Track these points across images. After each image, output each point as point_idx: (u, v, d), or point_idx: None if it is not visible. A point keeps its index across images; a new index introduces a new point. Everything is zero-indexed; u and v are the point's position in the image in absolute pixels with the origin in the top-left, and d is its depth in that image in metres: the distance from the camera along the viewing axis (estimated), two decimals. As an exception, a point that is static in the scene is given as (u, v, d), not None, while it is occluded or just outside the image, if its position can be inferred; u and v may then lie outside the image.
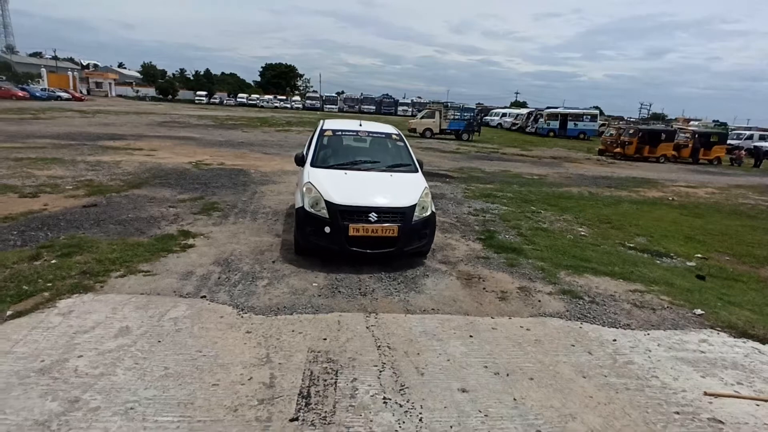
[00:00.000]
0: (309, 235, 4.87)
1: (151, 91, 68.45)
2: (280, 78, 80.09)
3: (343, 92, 75.60)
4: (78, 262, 4.60)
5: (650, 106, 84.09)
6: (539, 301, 4.38)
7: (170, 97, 66.70)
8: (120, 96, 65.38)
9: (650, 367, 3.20)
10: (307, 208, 4.85)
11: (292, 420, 2.37)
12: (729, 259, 6.52)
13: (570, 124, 36.97)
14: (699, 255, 6.51)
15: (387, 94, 65.52)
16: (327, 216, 4.74)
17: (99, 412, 2.35)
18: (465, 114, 28.07)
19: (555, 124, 36.89)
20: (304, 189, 4.98)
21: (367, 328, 3.59)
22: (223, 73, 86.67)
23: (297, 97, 68.74)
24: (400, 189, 5.23)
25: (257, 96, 66.51)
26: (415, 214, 4.94)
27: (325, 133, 6.01)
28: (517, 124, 42.65)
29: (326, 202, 4.78)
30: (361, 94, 65.46)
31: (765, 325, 4.11)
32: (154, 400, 2.48)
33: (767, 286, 5.44)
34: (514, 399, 2.69)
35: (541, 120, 37.71)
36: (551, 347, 3.42)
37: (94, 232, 5.65)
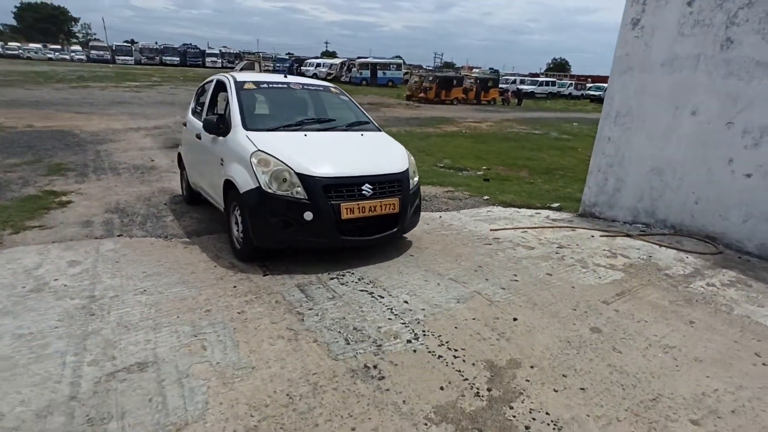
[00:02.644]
0: (276, 230, 3.59)
1: None
2: (47, 22, 65.30)
3: (134, 41, 65.99)
4: (-54, 225, 4.55)
5: (442, 55, 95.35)
6: (390, 203, 6.16)
7: None
8: None
9: (462, 224, 5.24)
10: (266, 188, 3.54)
11: (264, 275, 3.59)
12: (502, 168, 9.38)
13: (379, 73, 40.34)
14: (485, 167, 9.22)
15: (191, 44, 59.92)
16: (305, 196, 3.54)
17: (121, 296, 3.15)
18: (283, 64, 28.44)
19: (367, 74, 39.82)
20: (254, 161, 3.65)
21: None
22: (-49, 12, 66.17)
23: (77, 47, 57.53)
24: (382, 150, 4.33)
25: (18, 45, 53.45)
26: (410, 180, 4.14)
27: (245, 86, 4.56)
28: (332, 73, 44.35)
29: (300, 175, 3.56)
30: (156, 42, 58.39)
31: (520, 201, 6.65)
32: (155, 285, 3.35)
33: (523, 182, 8.29)
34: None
35: (354, 69, 40.22)
36: (405, 224, 5.21)
37: (-70, 199, 5.32)
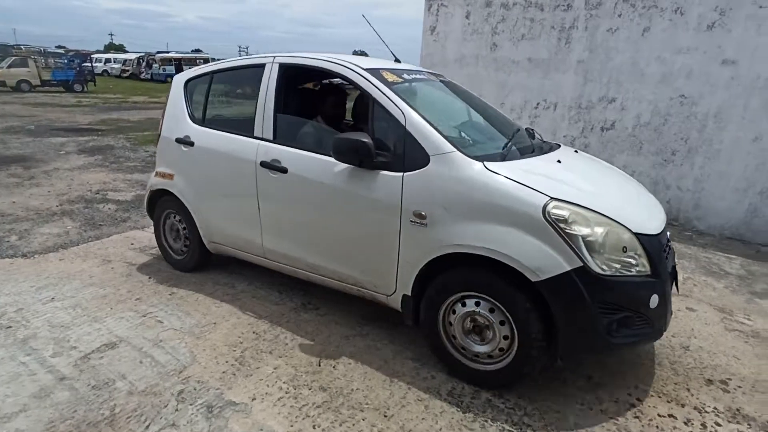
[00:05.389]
0: (608, 334, 2.13)
1: None
2: None
3: None
4: None
5: (247, 48, 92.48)
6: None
7: None
8: None
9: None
10: (597, 267, 2.08)
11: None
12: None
13: (185, 68, 37.66)
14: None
15: None
16: (648, 270, 2.20)
17: (28, 308, 3.10)
18: (60, 60, 24.57)
19: (171, 69, 36.62)
20: (560, 219, 2.10)
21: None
22: None
23: None
24: (625, 180, 3.01)
25: None
26: None
27: (385, 76, 2.71)
28: (128, 70, 39.78)
29: (637, 236, 2.19)
30: None
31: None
32: (60, 293, 3.32)
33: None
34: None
35: (155, 65, 36.69)
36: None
37: None
